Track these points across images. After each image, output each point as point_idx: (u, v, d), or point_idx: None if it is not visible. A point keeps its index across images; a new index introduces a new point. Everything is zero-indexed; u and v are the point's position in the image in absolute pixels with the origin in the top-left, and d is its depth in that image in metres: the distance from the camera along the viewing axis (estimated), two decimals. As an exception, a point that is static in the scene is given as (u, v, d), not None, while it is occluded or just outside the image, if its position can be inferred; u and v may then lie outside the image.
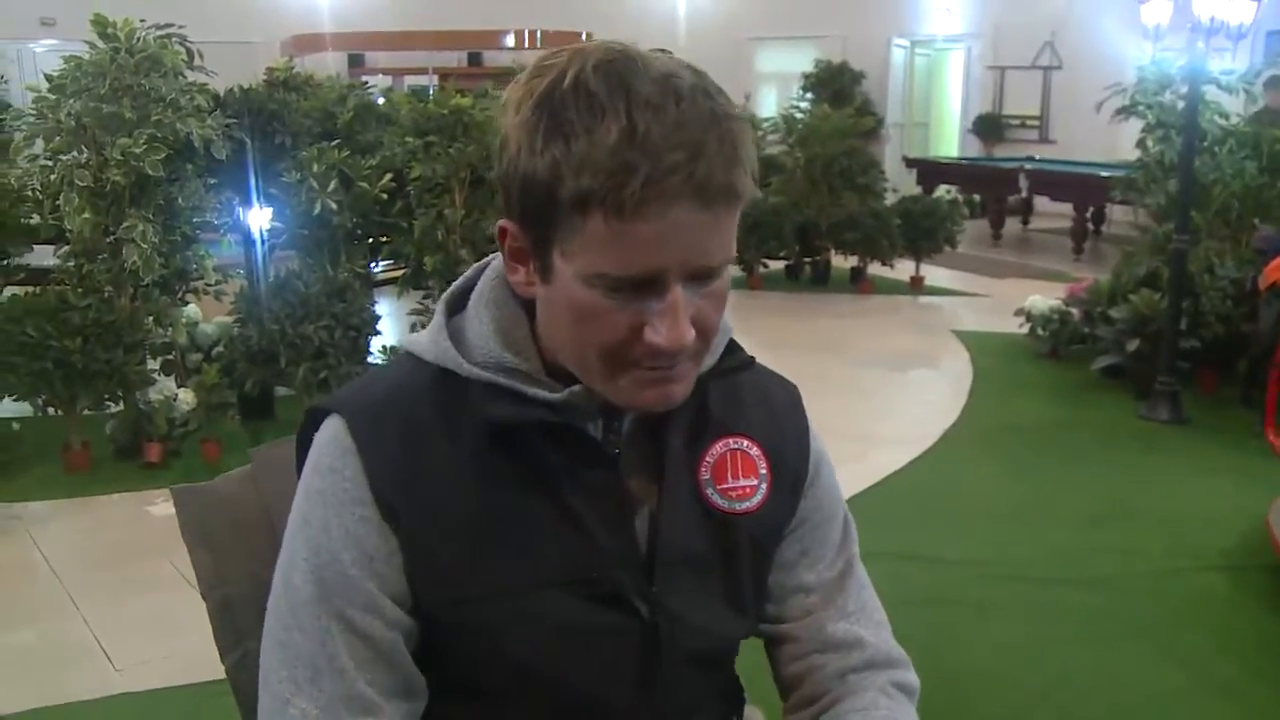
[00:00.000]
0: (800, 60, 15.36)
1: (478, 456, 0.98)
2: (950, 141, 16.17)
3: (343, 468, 0.98)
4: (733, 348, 1.09)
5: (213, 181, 4.97)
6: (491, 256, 1.06)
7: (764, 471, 1.10)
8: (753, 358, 1.12)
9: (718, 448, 1.08)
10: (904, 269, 9.01)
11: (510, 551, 0.98)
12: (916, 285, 9.03)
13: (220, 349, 5.25)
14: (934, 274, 9.26)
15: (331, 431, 1.00)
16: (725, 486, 1.08)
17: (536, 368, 1.00)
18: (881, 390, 6.27)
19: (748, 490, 1.08)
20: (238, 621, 1.20)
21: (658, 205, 0.84)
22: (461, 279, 1.09)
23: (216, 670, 1.20)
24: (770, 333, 7.56)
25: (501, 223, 0.96)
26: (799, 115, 9.68)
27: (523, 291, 0.98)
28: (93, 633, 3.32)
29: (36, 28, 13.41)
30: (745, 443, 1.09)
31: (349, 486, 0.97)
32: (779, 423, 1.14)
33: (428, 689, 1.03)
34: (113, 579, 3.72)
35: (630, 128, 0.83)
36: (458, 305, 1.06)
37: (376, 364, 5.12)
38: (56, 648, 3.26)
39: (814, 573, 1.15)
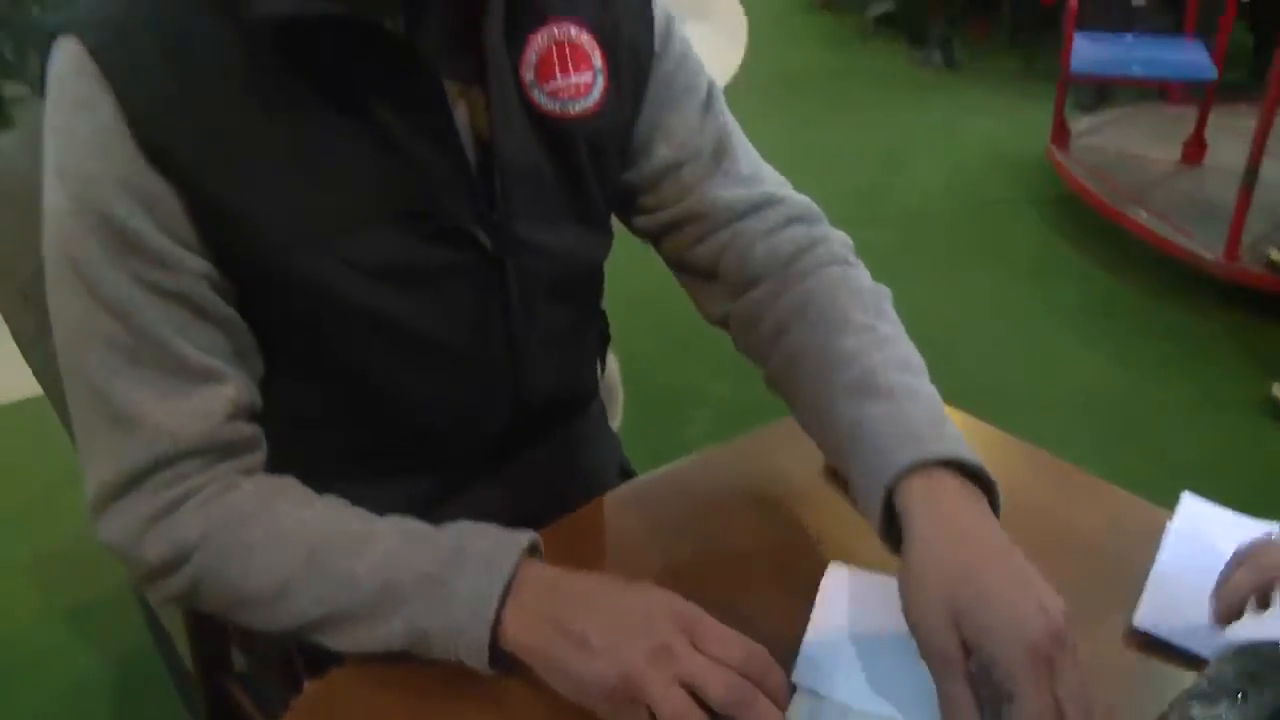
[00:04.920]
0: None
1: (260, 70, 0.79)
2: None
3: (90, 103, 0.77)
4: None
5: None
6: None
7: (598, 63, 0.93)
8: None
9: (540, 39, 0.90)
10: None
11: (315, 184, 0.81)
12: (682, -65, 8.72)
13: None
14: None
15: (69, 58, 0.78)
16: (554, 85, 0.91)
17: None
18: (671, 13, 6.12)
19: (582, 88, 0.92)
20: (39, 307, 0.97)
21: None
22: None
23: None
24: None
25: None
26: None
27: None
28: None
29: None
30: (572, 29, 0.91)
31: (102, 124, 0.77)
32: (612, 3, 0.95)
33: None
34: None
35: None
36: None
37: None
38: None
39: (678, 146, 0.99)
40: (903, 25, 5.79)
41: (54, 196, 0.80)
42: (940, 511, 0.76)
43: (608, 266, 1.06)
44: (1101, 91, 4.62)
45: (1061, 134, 3.88)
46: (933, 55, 5.44)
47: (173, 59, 0.78)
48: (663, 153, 0.99)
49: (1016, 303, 3.31)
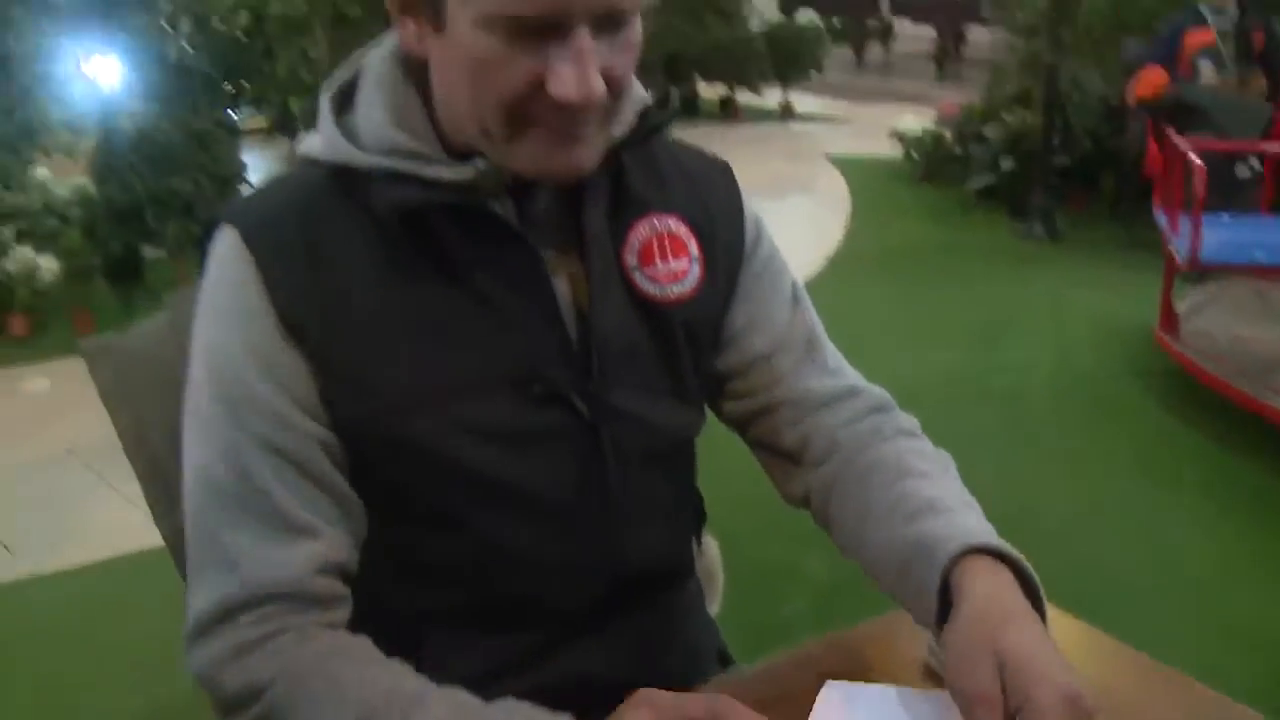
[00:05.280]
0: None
1: (383, 252, 0.89)
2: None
3: (240, 281, 0.88)
4: (649, 113, 0.98)
5: (52, 27, 4.58)
6: (370, 44, 0.95)
7: (695, 251, 1.00)
8: (668, 116, 1.01)
9: (642, 228, 0.98)
10: (772, 97, 8.97)
11: (431, 352, 0.90)
12: (786, 112, 9.02)
13: (79, 211, 4.93)
14: (802, 101, 9.26)
15: (226, 244, 0.90)
16: (654, 271, 0.98)
17: (434, 147, 0.90)
18: (761, 218, 6.26)
19: (679, 273, 1.00)
20: (169, 481, 1.06)
21: None
22: (343, 70, 0.97)
23: (144, 540, 1.11)
24: None
25: None
26: (660, -60, 9.40)
27: (414, 50, 0.89)
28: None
29: None
30: (671, 221, 1.00)
31: (248, 300, 0.88)
32: (706, 196, 1.04)
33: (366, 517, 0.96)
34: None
35: None
36: (345, 100, 0.95)
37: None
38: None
39: (769, 338, 1.06)
40: (1004, 198, 5.87)
41: (197, 360, 0.92)
42: (989, 583, 0.85)
43: (700, 446, 1.12)
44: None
45: (1169, 319, 3.83)
46: (1034, 227, 5.48)
47: (311, 243, 0.89)
48: (755, 343, 1.07)
49: (1125, 484, 3.23)
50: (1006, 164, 5.68)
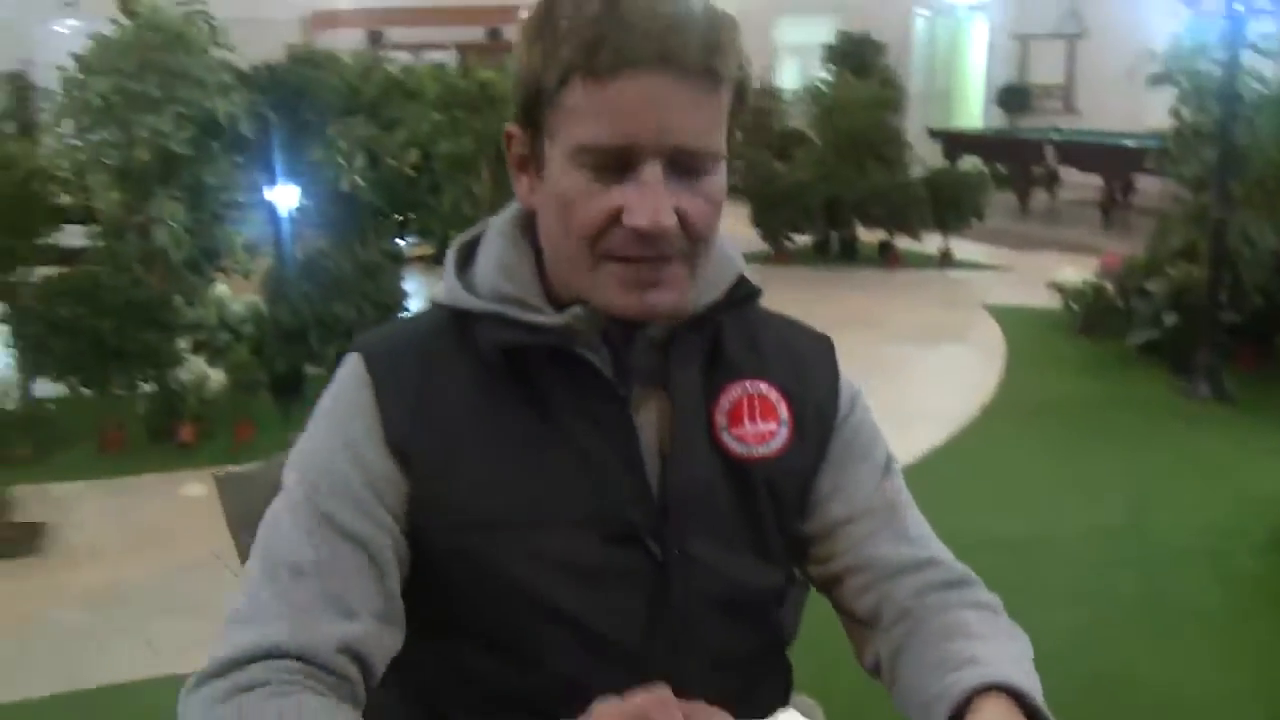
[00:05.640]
0: (820, 32, 15.20)
1: (486, 387, 0.99)
2: (973, 112, 16.00)
3: (356, 397, 0.99)
4: (742, 282, 1.06)
5: (239, 159, 4.94)
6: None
7: (784, 415, 1.06)
8: (759, 289, 1.08)
9: (734, 391, 1.04)
10: (932, 242, 8.92)
11: (516, 482, 0.97)
12: (945, 259, 8.95)
13: (250, 328, 5.22)
14: (962, 247, 9.16)
15: (350, 368, 1.02)
16: (742, 431, 1.04)
17: (538, 296, 1.00)
18: (913, 366, 6.21)
19: (766, 434, 1.04)
20: None
21: (630, 71, 0.88)
22: (472, 229, 1.09)
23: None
24: (797, 308, 7.25)
25: (508, 127, 0.99)
26: (823, 89, 9.57)
27: (526, 202, 1.00)
28: (129, 615, 3.30)
29: (58, 9, 13.34)
30: (764, 386, 1.06)
31: (360, 419, 0.98)
32: (803, 369, 1.10)
33: (431, 631, 1.00)
34: (148, 561, 3.70)
35: (611, 4, 0.89)
36: (469, 254, 1.06)
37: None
38: (93, 630, 3.24)
39: (852, 504, 1.09)
40: (1167, 354, 5.64)
41: (291, 463, 1.01)
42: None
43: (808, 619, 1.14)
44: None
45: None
46: (1199, 386, 5.25)
47: (425, 375, 0.99)
48: (838, 509, 1.09)
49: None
50: (1170, 319, 5.48)
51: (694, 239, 0.94)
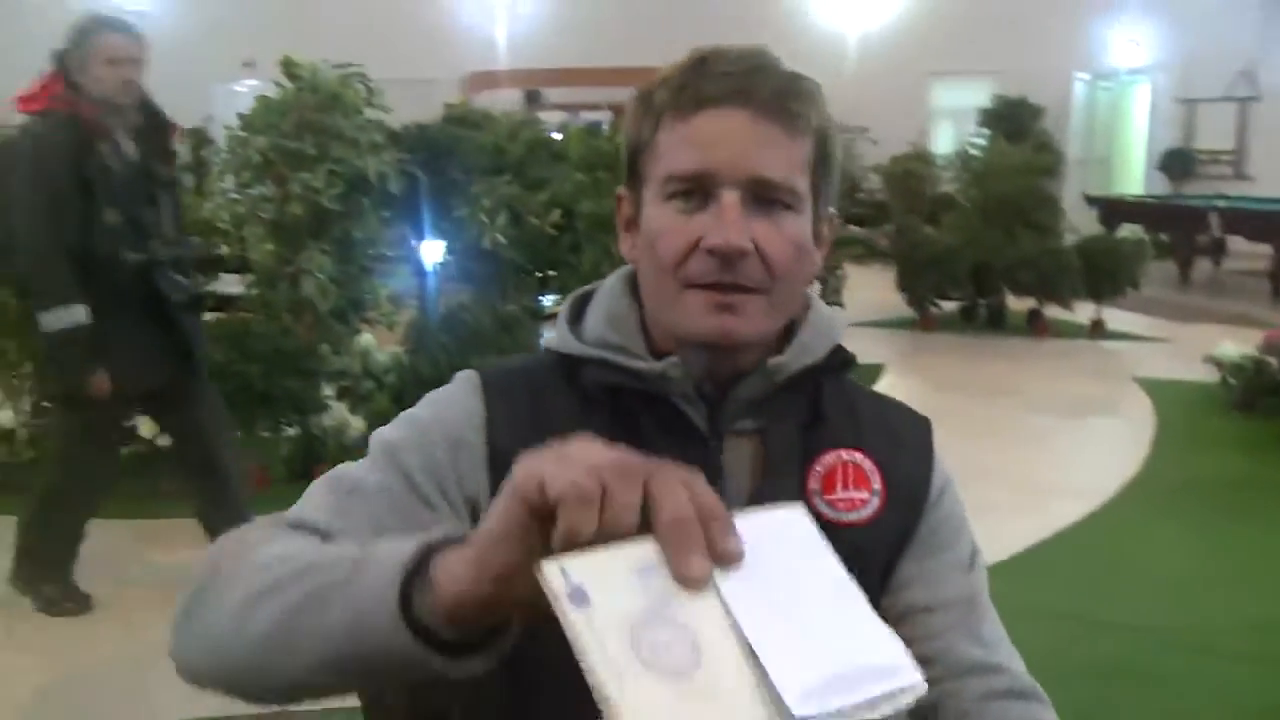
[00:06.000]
0: (977, 96, 15.00)
1: (587, 421, 1.00)
2: (1134, 179, 15.53)
3: (465, 400, 1.05)
4: (840, 350, 1.11)
5: (387, 215, 5.13)
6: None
7: (877, 486, 1.07)
8: (855, 357, 1.13)
9: (829, 457, 1.07)
10: (1083, 311, 8.65)
11: None
12: (1096, 329, 8.66)
13: (392, 377, 5.39)
14: (1115, 317, 8.86)
15: (462, 380, 1.08)
16: (834, 497, 1.06)
17: (639, 346, 1.05)
18: (1056, 439, 6.00)
19: (858, 502, 1.06)
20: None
21: (711, 107, 0.98)
22: (586, 286, 1.17)
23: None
24: (941, 375, 7.36)
25: (618, 191, 1.09)
26: (974, 152, 9.43)
27: (630, 257, 1.08)
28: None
29: (239, 69, 14.15)
30: (859, 455, 1.08)
31: (465, 410, 1.04)
32: (900, 446, 1.12)
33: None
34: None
35: (700, 58, 1.01)
36: (581, 307, 1.13)
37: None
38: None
39: (932, 593, 1.09)
40: (1331, 436, 5.34)
41: (383, 431, 1.06)
42: None
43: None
44: None
45: None
46: (1366, 472, 4.94)
47: (532, 396, 1.06)
48: (917, 596, 1.09)
49: None
50: (1336, 399, 5.19)
51: (772, 273, 1.00)
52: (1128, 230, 10.78)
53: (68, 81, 3.27)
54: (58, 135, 3.23)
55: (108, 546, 4.20)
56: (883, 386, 6.89)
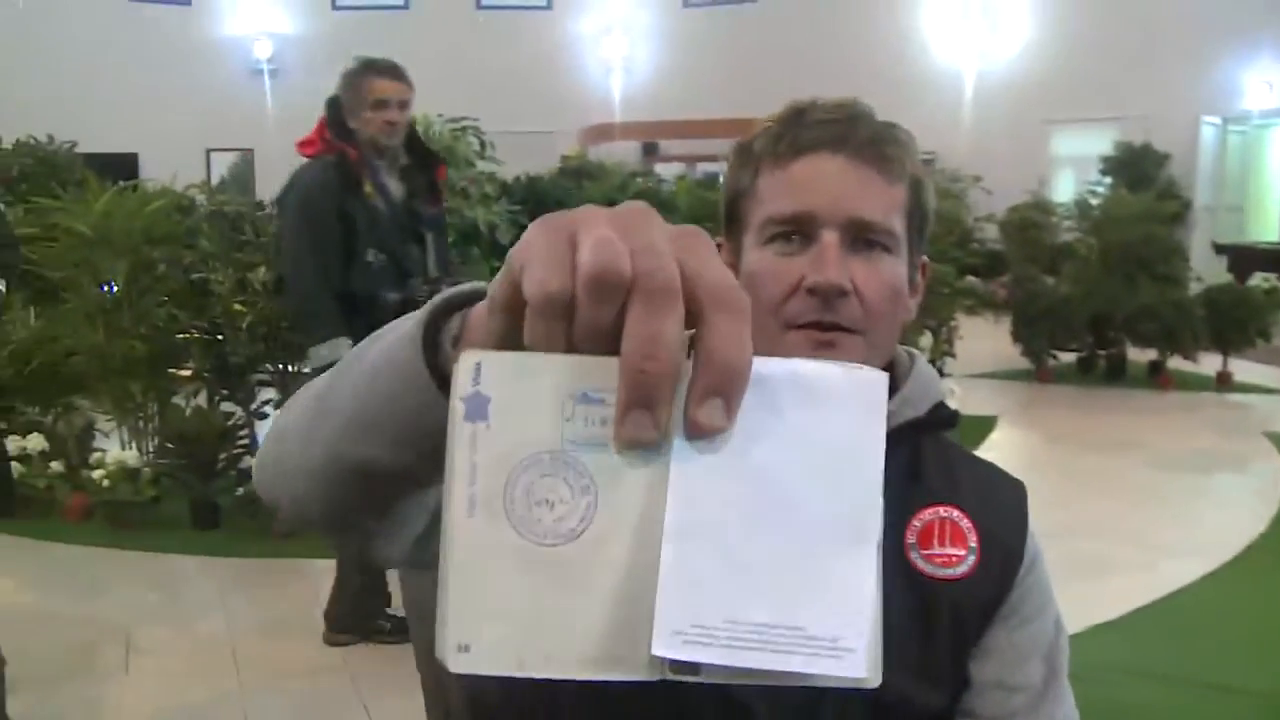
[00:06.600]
0: (1099, 143, 14.69)
1: None
2: (1270, 226, 14.98)
3: None
4: (942, 407, 1.11)
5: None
6: None
7: (974, 544, 1.07)
8: (955, 413, 1.13)
9: (927, 513, 1.07)
10: (1209, 364, 8.35)
11: None
12: (1223, 382, 8.34)
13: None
14: (1245, 369, 8.53)
15: None
16: (931, 552, 1.06)
17: None
18: (1178, 495, 5.78)
19: (954, 559, 1.06)
20: (449, 702, 1.20)
21: (809, 153, 1.02)
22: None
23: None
24: (1058, 427, 7.18)
25: (717, 239, 1.09)
26: (1093, 200, 9.24)
27: None
28: (352, 687, 3.50)
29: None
30: (956, 513, 1.07)
31: None
32: (996, 509, 1.11)
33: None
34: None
35: (797, 108, 1.05)
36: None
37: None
38: (312, 699, 3.45)
39: (1011, 671, 1.08)
40: None
41: None
42: None
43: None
44: None
45: None
46: None
47: None
48: (993, 670, 1.08)
49: None
50: None
51: (869, 315, 1.01)
52: (1260, 279, 10.40)
53: (339, 124, 3.43)
54: (324, 176, 3.39)
55: (220, 584, 4.36)
56: (995, 439, 6.74)
